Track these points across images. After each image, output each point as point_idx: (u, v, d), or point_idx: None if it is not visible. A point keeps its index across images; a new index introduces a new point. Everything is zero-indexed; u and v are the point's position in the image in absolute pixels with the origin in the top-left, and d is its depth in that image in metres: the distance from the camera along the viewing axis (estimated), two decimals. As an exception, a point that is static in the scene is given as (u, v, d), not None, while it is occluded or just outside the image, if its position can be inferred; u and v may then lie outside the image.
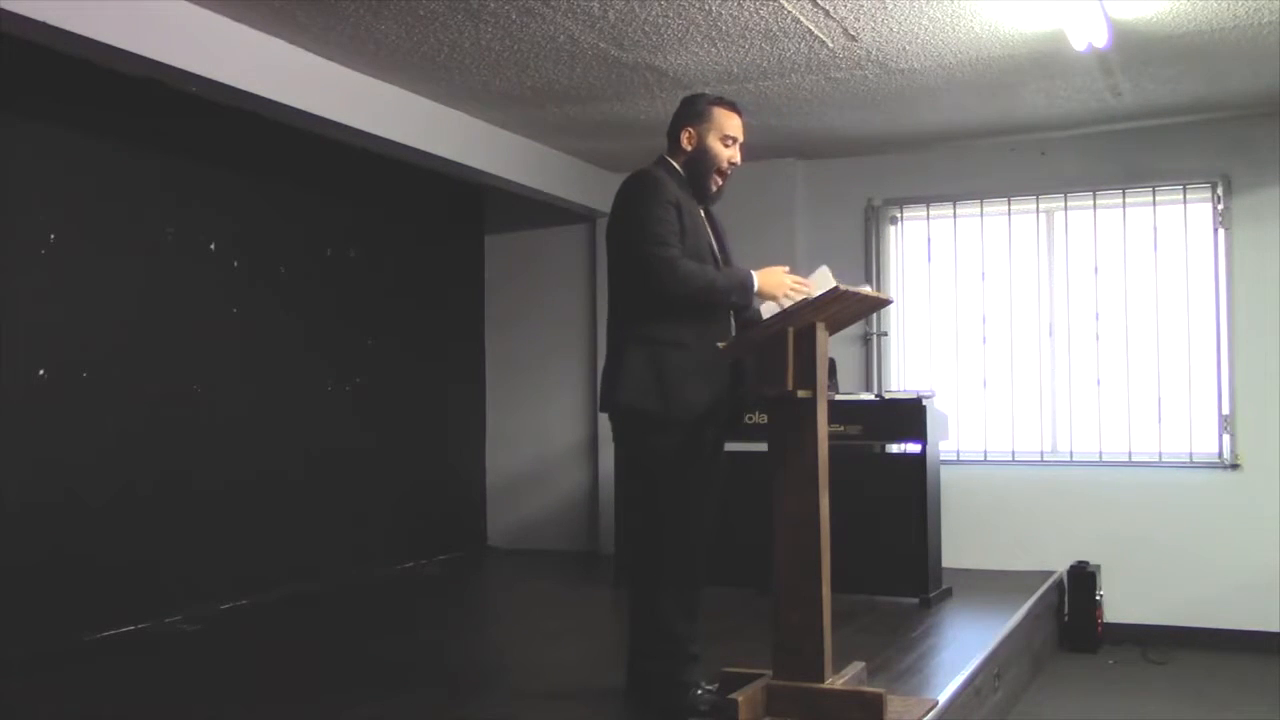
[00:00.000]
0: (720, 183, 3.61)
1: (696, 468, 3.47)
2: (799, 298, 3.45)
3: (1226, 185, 6.13)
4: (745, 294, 3.50)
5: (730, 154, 3.59)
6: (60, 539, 4.77)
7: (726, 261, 3.64)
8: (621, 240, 3.55)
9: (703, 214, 3.63)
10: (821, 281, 3.46)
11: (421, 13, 4.43)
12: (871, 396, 5.79)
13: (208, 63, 4.37)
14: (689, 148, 3.58)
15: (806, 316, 3.28)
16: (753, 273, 3.51)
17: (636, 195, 3.50)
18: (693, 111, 3.61)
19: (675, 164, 3.60)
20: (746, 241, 4.14)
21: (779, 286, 3.50)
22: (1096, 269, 6.40)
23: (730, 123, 3.59)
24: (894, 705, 3.45)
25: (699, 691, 3.45)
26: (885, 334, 6.81)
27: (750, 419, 4.65)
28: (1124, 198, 6.36)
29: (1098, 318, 6.38)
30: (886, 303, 4.04)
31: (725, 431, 3.64)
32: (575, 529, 7.42)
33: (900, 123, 6.13)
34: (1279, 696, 5.14)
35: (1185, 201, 6.24)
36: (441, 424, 7.30)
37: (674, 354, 3.43)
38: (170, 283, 5.36)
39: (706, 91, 3.91)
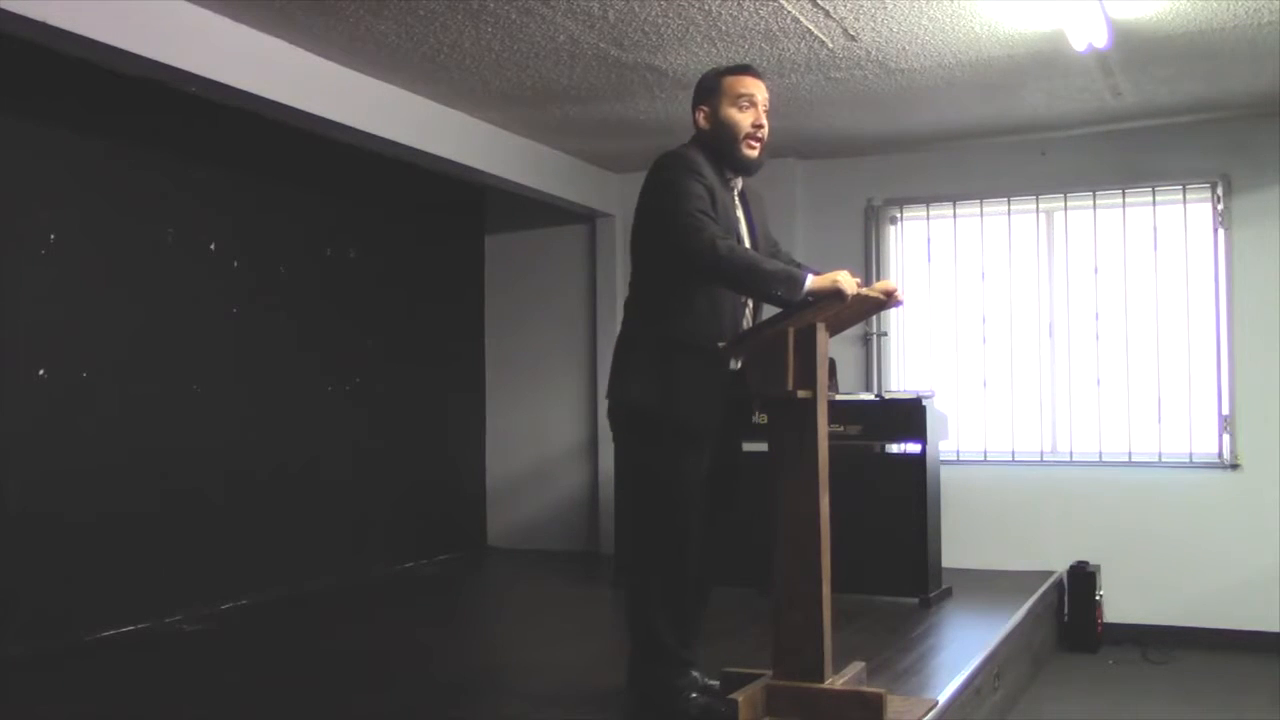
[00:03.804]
0: (756, 149, 3.41)
1: (694, 473, 3.39)
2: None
3: (1226, 185, 6.13)
4: (793, 288, 3.15)
5: (751, 116, 3.40)
6: (60, 539, 4.77)
7: (758, 250, 3.48)
8: (655, 208, 3.34)
9: (736, 201, 3.51)
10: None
11: (421, 13, 4.43)
12: (871, 396, 5.79)
13: (208, 63, 4.37)
14: (707, 125, 3.44)
15: (807, 317, 3.27)
16: (808, 273, 3.20)
17: (670, 168, 3.34)
18: (702, 90, 3.47)
19: (703, 147, 3.44)
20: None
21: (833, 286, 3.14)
22: (1096, 269, 6.40)
23: (741, 84, 3.41)
24: (894, 705, 3.44)
25: (693, 695, 3.43)
26: (885, 334, 6.81)
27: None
28: (1124, 198, 6.36)
29: (1098, 318, 6.38)
30: (887, 304, 3.96)
31: (741, 432, 3.56)
32: (575, 529, 7.42)
33: (900, 123, 6.13)
34: (1279, 696, 5.14)
35: (1185, 201, 6.24)
36: (441, 424, 7.30)
37: (684, 354, 3.34)
38: (170, 283, 5.36)
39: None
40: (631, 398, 3.42)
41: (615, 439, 3.62)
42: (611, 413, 3.52)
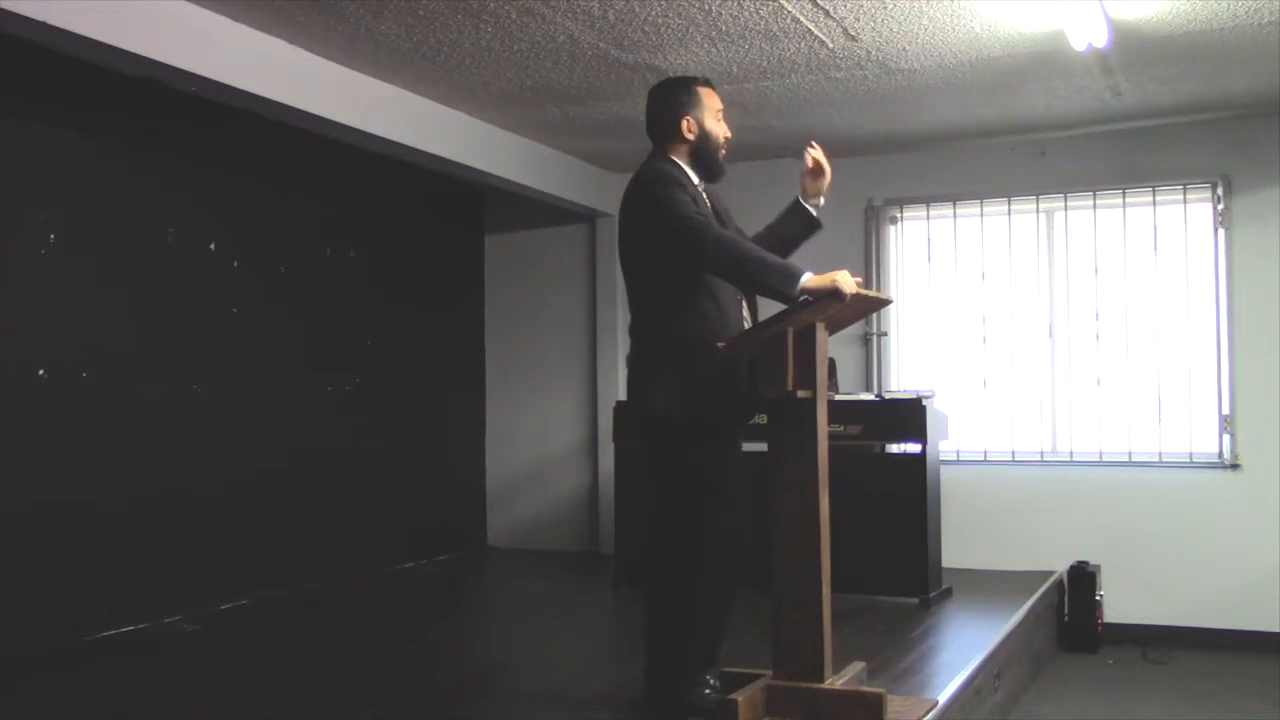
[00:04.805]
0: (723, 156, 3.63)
1: (731, 470, 3.43)
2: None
3: (1226, 185, 6.13)
4: (788, 281, 3.22)
5: (725, 129, 3.61)
6: (60, 539, 4.77)
7: None
8: (649, 218, 3.44)
9: (708, 202, 3.58)
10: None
11: (421, 13, 4.43)
12: (871, 396, 5.79)
13: (208, 63, 4.37)
14: (691, 136, 3.54)
15: (806, 316, 3.28)
16: (805, 271, 3.25)
17: (655, 183, 3.45)
18: (682, 101, 3.58)
19: (676, 158, 3.55)
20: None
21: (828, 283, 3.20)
22: (1096, 269, 6.40)
23: (716, 99, 3.62)
24: (894, 705, 3.45)
25: (707, 691, 3.42)
26: (885, 334, 6.81)
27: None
28: (1124, 198, 6.36)
29: (1098, 318, 6.38)
30: (886, 303, 4.02)
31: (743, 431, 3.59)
32: (575, 529, 7.41)
33: (900, 123, 6.13)
34: (1279, 696, 5.14)
35: (1185, 201, 6.24)
36: (441, 424, 7.30)
37: (696, 356, 3.37)
38: (170, 283, 5.36)
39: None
40: (658, 407, 3.43)
41: (648, 444, 3.63)
42: (642, 423, 3.55)
